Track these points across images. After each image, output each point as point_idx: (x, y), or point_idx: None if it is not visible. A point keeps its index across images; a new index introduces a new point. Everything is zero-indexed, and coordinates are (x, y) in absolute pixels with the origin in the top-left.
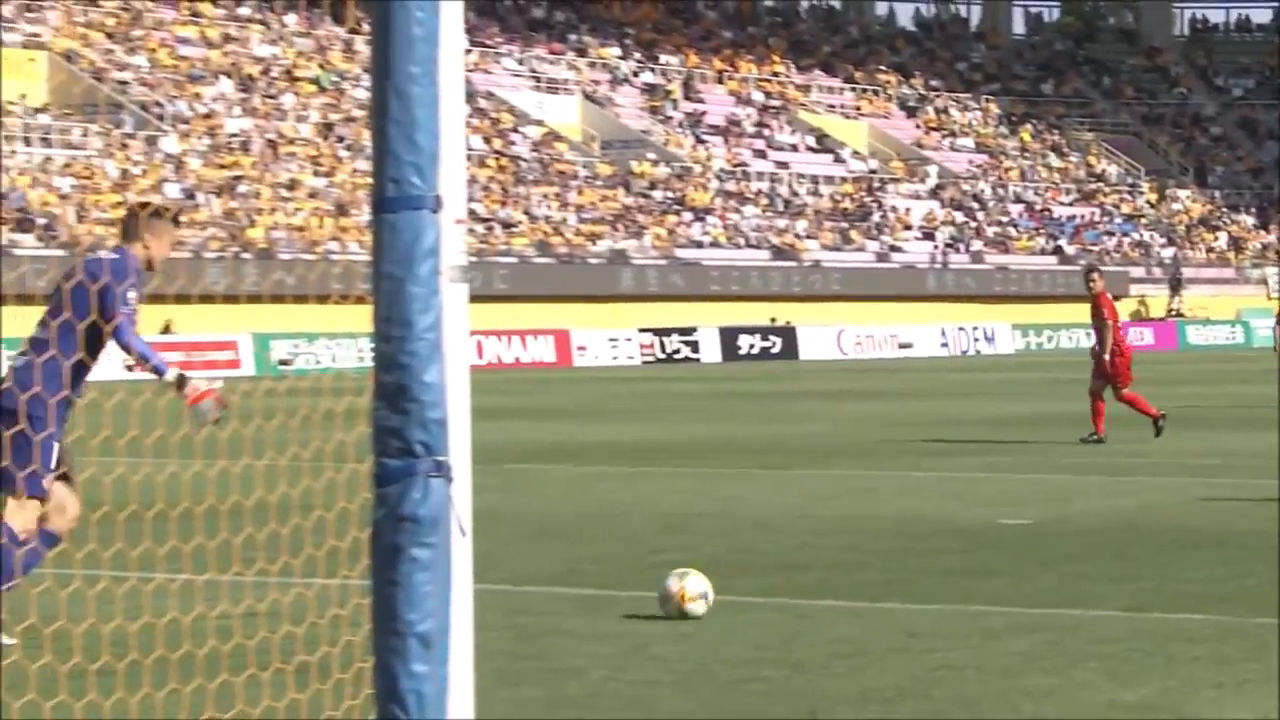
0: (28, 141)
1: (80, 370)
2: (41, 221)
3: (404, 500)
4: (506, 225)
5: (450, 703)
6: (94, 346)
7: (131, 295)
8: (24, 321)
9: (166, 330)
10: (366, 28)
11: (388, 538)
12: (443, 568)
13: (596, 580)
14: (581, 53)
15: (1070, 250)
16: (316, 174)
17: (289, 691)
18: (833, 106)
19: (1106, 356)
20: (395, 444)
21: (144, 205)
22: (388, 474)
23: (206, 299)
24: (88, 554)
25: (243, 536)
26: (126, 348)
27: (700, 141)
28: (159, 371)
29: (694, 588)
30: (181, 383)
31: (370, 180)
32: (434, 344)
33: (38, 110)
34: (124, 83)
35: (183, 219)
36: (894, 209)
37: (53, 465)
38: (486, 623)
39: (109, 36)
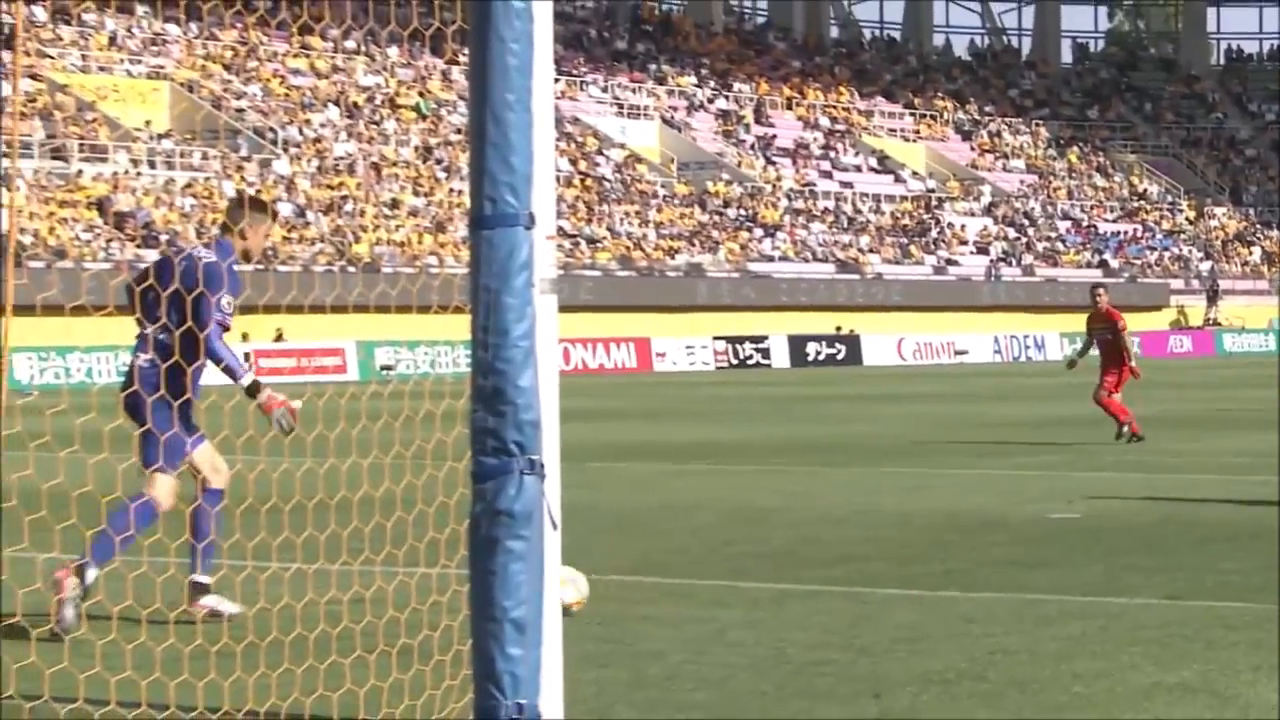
0: (152, 164)
1: (197, 373)
2: (164, 238)
3: (500, 496)
4: (591, 241)
5: (541, 683)
6: (196, 349)
7: (226, 301)
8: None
9: (278, 338)
10: (463, 59)
11: (485, 530)
12: (535, 558)
13: (674, 570)
14: (660, 81)
15: (1114, 264)
16: (416, 194)
17: (393, 672)
18: (893, 130)
19: (1133, 364)
20: (492, 443)
21: (249, 197)
22: (485, 471)
23: (315, 309)
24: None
25: (350, 529)
26: (213, 356)
27: (770, 163)
28: (235, 376)
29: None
30: (254, 390)
31: (467, 199)
32: (527, 351)
33: (161, 136)
34: (240, 110)
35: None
36: (950, 225)
37: (179, 463)
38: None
39: (226, 67)
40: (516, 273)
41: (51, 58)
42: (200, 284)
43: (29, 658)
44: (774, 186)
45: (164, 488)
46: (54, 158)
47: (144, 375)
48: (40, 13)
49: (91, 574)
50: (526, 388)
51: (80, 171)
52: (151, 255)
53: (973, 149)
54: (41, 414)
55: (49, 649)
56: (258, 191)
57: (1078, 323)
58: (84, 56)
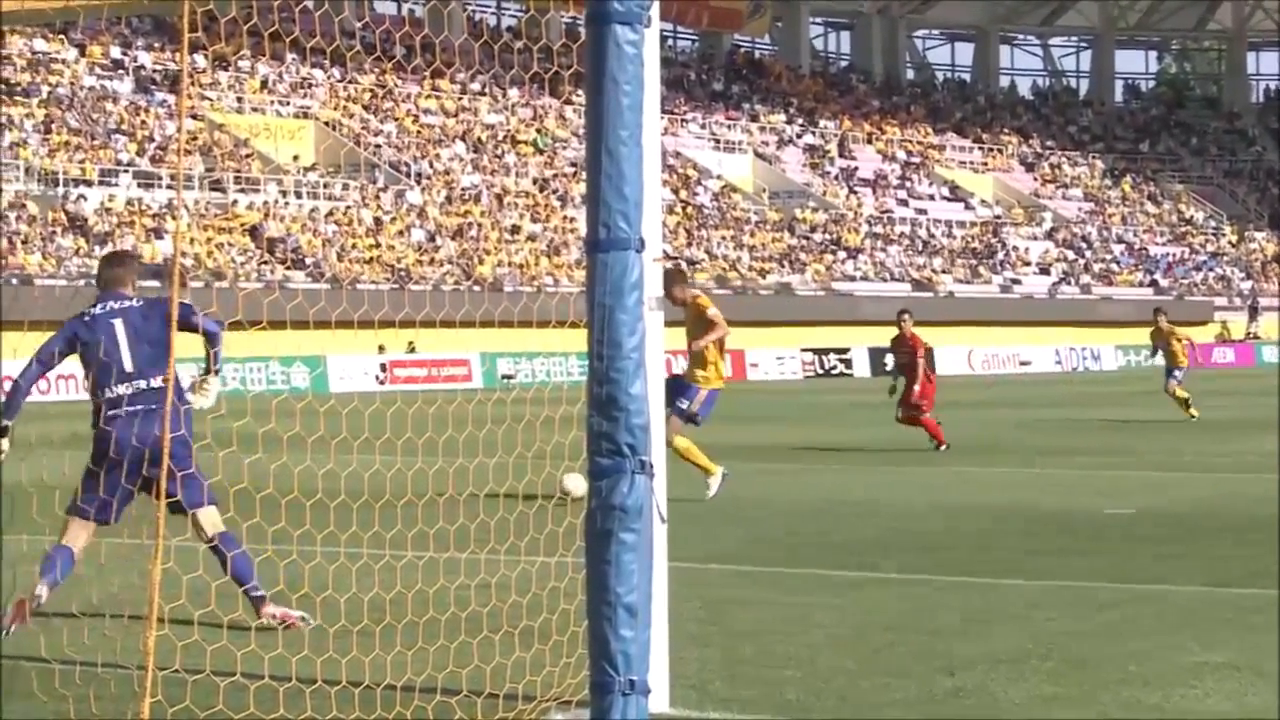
0: (299, 195)
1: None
2: (309, 261)
3: (614, 493)
4: (691, 263)
5: (649, 661)
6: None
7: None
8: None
9: (411, 350)
10: (576, 99)
11: (600, 524)
12: (645, 549)
13: (767, 559)
14: (754, 118)
15: (1164, 283)
16: (534, 220)
17: (516, 650)
18: (964, 163)
19: (917, 387)
20: (606, 445)
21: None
22: (600, 471)
23: (445, 324)
24: (351, 535)
25: (477, 522)
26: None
27: (853, 192)
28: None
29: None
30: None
31: (581, 226)
32: (638, 362)
33: (307, 169)
34: (378, 146)
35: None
36: (1015, 249)
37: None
38: (677, 594)
39: (365, 108)
40: (629, 291)
41: (210, 100)
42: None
43: (192, 636)
44: (856, 213)
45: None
46: (213, 189)
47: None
48: (201, 60)
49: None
50: (637, 395)
51: (235, 201)
52: (298, 276)
53: (1035, 179)
54: (203, 418)
55: (210, 629)
56: (392, 220)
57: (1130, 336)
58: (239, 99)
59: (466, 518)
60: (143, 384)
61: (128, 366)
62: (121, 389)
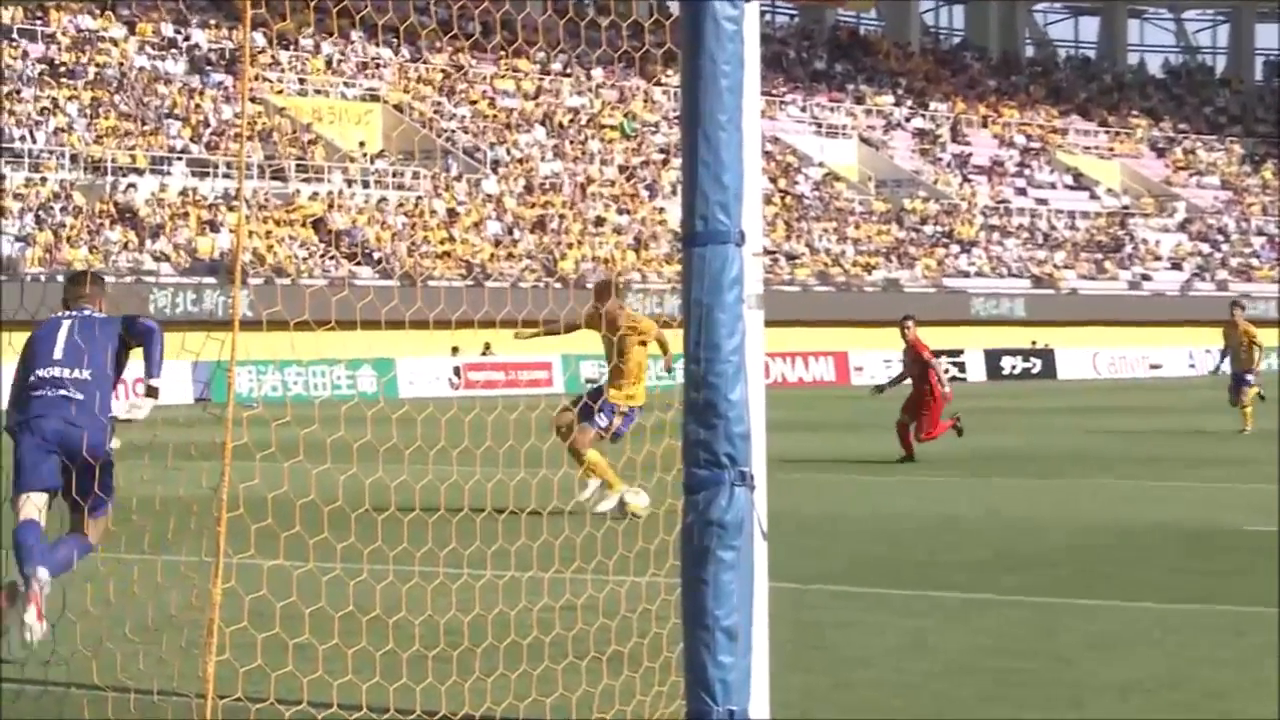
0: (366, 184)
1: None
2: (377, 256)
3: (711, 506)
4: (790, 257)
5: (750, 689)
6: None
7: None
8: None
9: (486, 352)
10: (666, 80)
11: (697, 540)
12: (745, 568)
13: (875, 579)
14: (859, 100)
15: None
16: (620, 212)
17: (603, 678)
18: (1088, 148)
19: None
20: (704, 455)
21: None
22: (697, 483)
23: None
24: (426, 552)
25: (562, 538)
26: None
27: (966, 180)
28: None
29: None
30: None
31: (669, 217)
32: (738, 365)
33: (374, 156)
34: (450, 131)
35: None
36: (1144, 241)
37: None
38: (777, 616)
39: (437, 89)
40: (728, 288)
41: (271, 81)
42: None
43: (254, 661)
44: (970, 203)
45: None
46: (273, 178)
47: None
48: (260, 38)
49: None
50: (737, 401)
51: (297, 191)
52: (365, 272)
53: (1167, 166)
54: (267, 425)
55: (274, 653)
56: (466, 211)
57: (1273, 337)
58: (301, 80)
59: (550, 534)
60: (66, 372)
61: (56, 354)
62: (43, 373)
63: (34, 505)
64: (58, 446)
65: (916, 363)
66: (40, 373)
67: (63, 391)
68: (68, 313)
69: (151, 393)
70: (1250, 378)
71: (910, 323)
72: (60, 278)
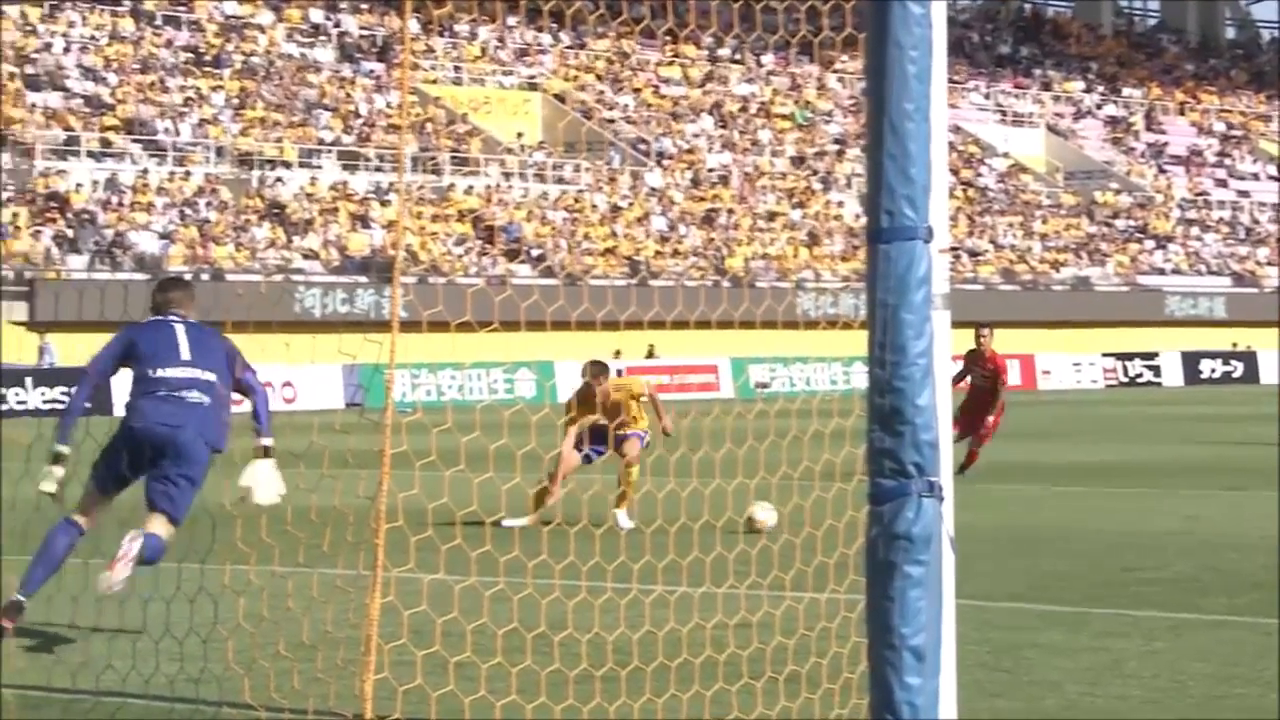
0: (523, 177)
1: None
2: (535, 253)
3: (898, 519)
4: (973, 254)
5: (939, 713)
6: None
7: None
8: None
9: (650, 355)
10: (840, 66)
11: (882, 555)
12: (934, 584)
13: (1065, 596)
14: (1046, 87)
15: None
16: (792, 206)
17: (780, 700)
18: None
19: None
20: (889, 465)
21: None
22: (882, 493)
23: (691, 325)
24: (593, 566)
25: (736, 551)
26: None
27: (1162, 171)
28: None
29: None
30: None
31: (844, 211)
32: (926, 369)
33: (532, 148)
34: (613, 121)
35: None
36: None
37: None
38: (962, 636)
39: (599, 77)
40: (915, 287)
41: (424, 70)
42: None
43: (414, 680)
44: (1165, 196)
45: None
46: (427, 171)
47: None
48: (414, 24)
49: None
50: (925, 407)
51: (452, 185)
52: (523, 270)
53: None
54: (427, 431)
55: (434, 672)
56: (629, 206)
57: None
58: (456, 68)
59: (724, 547)
60: (196, 373)
61: (184, 355)
62: (171, 372)
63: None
64: (164, 445)
65: (989, 377)
66: (165, 373)
67: (192, 393)
68: (171, 316)
69: (268, 453)
70: None
71: (987, 331)
72: (205, 276)
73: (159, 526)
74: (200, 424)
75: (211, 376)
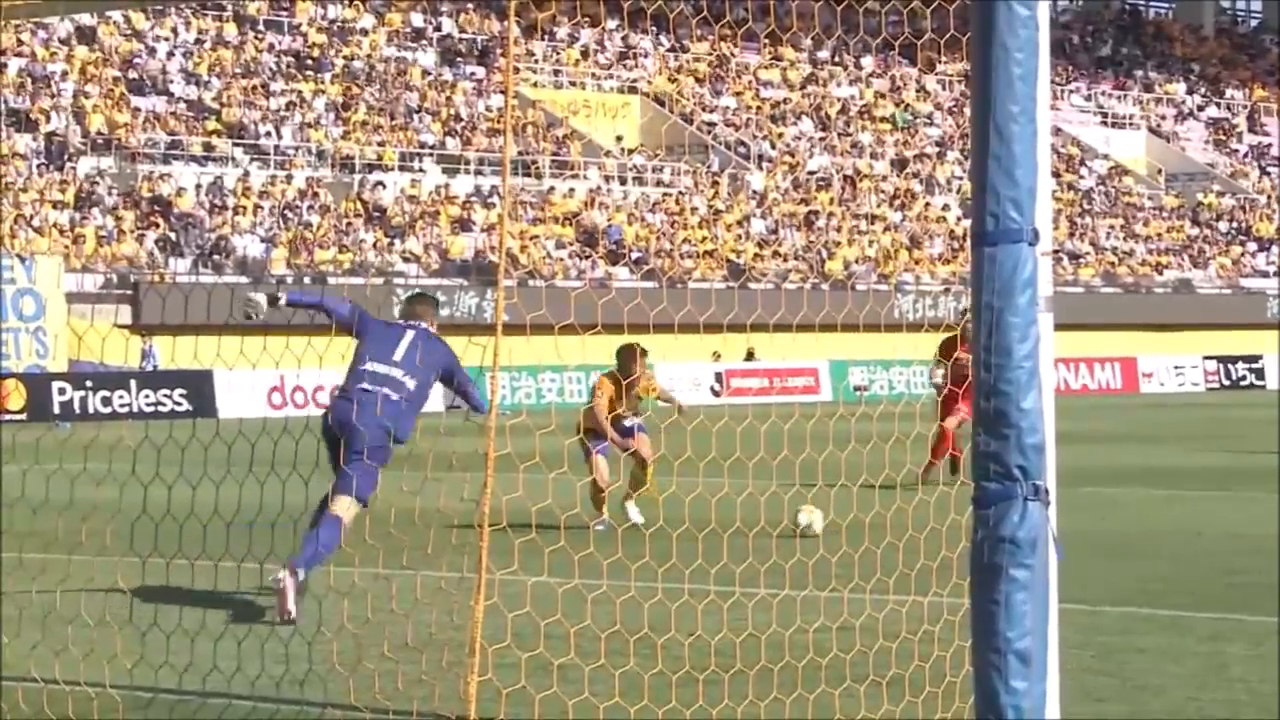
0: (623, 180)
1: None
2: (636, 256)
3: (1003, 522)
4: (1074, 256)
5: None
6: None
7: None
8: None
9: (749, 357)
10: (940, 68)
11: (987, 558)
12: (1039, 588)
13: (1172, 601)
14: (1147, 88)
15: None
16: (892, 208)
17: (883, 703)
18: None
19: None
20: (994, 468)
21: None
22: (987, 497)
23: (790, 328)
24: (695, 568)
25: (839, 554)
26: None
27: (1265, 173)
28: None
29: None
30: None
31: (945, 214)
32: (1031, 371)
33: (631, 151)
34: (712, 124)
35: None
36: None
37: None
38: (1067, 641)
39: (698, 80)
40: (1020, 290)
41: (524, 73)
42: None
43: (518, 682)
44: (1269, 198)
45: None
46: (526, 174)
47: None
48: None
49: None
50: (1030, 410)
51: (552, 188)
52: (622, 273)
53: None
54: (531, 434)
55: (538, 674)
56: (728, 208)
57: None
58: (556, 71)
59: (827, 550)
60: (398, 373)
61: (396, 356)
62: (378, 367)
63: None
64: (345, 427)
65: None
66: (373, 367)
67: (386, 388)
68: (410, 323)
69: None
70: None
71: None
72: (307, 280)
73: (340, 508)
74: (385, 412)
75: (412, 382)
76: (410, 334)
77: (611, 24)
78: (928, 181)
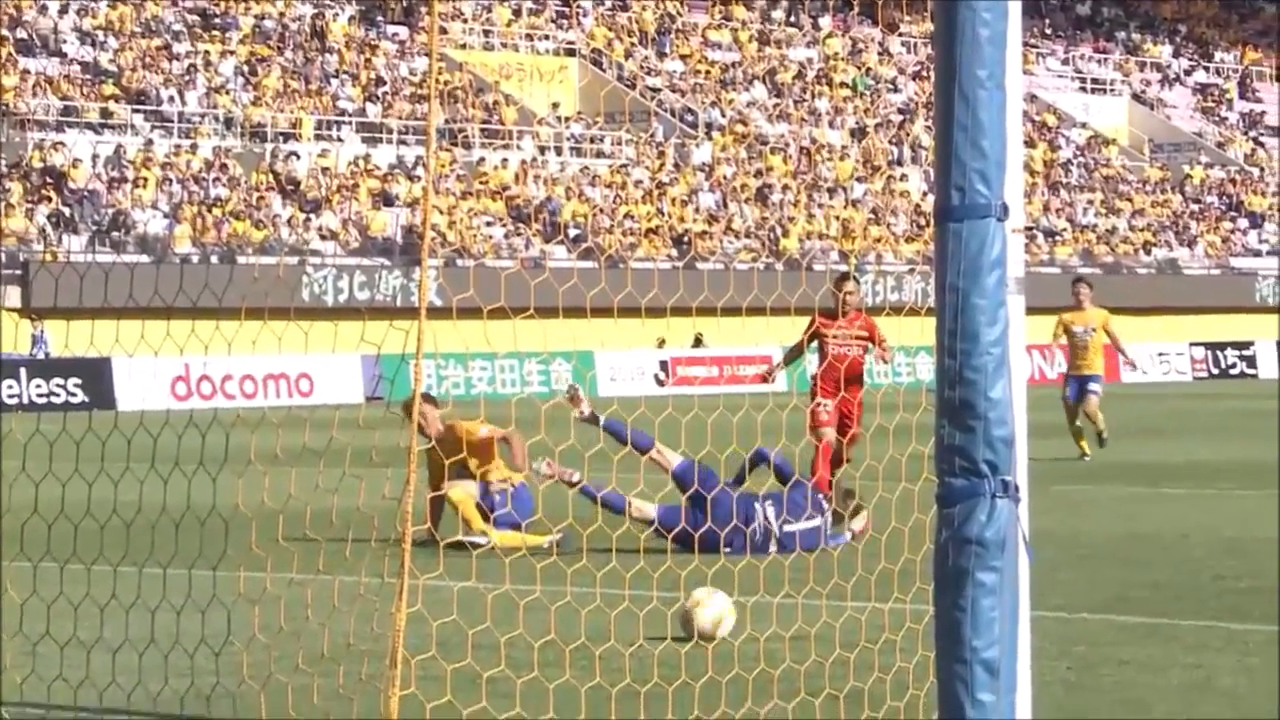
0: (559, 151)
1: None
2: (574, 233)
3: (969, 522)
4: (1049, 234)
5: None
6: None
7: None
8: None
9: (697, 343)
10: (904, 29)
11: (952, 561)
12: (1008, 593)
13: (1154, 608)
14: (1130, 52)
15: None
16: (854, 180)
17: (840, 716)
18: None
19: None
20: (960, 463)
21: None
22: (952, 494)
23: (752, 311)
24: (637, 572)
25: (793, 558)
26: None
27: (1257, 144)
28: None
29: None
30: None
31: (908, 186)
32: (1000, 359)
33: (568, 119)
34: (656, 90)
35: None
36: None
37: None
38: (1041, 650)
39: (641, 42)
40: (988, 270)
41: (450, 33)
42: None
43: (443, 696)
44: (1262, 170)
45: None
46: (453, 144)
47: None
48: None
49: None
50: (999, 400)
51: (482, 159)
52: (558, 252)
53: None
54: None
55: (465, 688)
56: (672, 181)
57: None
58: (486, 32)
59: (779, 553)
60: None
61: None
62: None
63: None
64: None
65: (860, 342)
66: None
67: None
68: None
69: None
70: None
71: (853, 285)
72: (214, 259)
73: None
74: None
75: None
76: None
77: None
78: (890, 153)
